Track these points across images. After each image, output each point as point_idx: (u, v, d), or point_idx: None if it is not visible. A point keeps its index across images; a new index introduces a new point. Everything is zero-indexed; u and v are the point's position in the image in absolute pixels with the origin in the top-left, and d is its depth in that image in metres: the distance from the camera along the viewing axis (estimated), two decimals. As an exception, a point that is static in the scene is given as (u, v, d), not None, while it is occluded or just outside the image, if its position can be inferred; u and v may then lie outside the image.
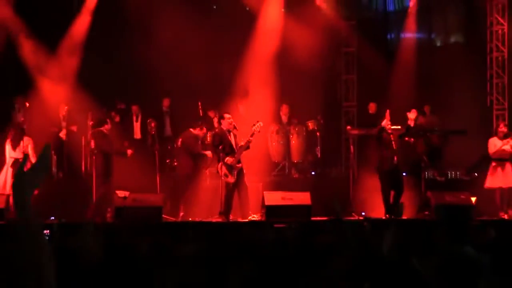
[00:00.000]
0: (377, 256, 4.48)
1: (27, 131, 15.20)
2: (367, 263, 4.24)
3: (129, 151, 15.04)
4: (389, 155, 14.94)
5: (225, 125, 14.73)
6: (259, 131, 14.92)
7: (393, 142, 14.94)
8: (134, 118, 17.90)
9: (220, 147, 14.50)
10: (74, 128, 16.58)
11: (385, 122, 14.98)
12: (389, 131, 14.97)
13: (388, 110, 15.22)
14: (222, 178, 14.44)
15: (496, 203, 15.40)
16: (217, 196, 14.62)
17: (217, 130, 15.21)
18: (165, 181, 15.91)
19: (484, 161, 16.17)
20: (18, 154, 14.52)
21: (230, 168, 14.42)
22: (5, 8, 16.95)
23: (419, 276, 3.17)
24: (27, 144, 14.64)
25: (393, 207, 14.57)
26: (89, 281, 3.67)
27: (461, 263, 3.97)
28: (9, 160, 14.64)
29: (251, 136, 14.61)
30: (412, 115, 15.60)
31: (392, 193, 14.82)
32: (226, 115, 14.93)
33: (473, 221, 13.40)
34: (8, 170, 14.61)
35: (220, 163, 14.49)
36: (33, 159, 14.08)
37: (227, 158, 14.42)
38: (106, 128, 14.99)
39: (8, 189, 14.17)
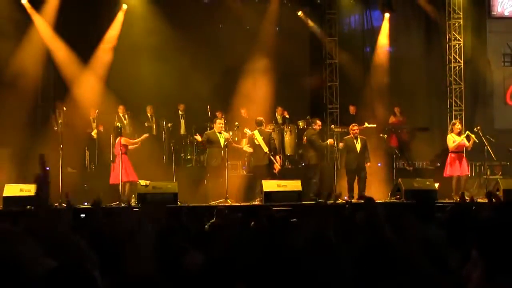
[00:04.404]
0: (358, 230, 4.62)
1: (64, 132, 15.23)
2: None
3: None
4: (353, 157, 15.19)
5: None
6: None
7: (356, 148, 15.21)
8: (149, 117, 17.85)
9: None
10: (101, 128, 16.65)
11: (351, 133, 15.33)
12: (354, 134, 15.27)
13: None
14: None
15: (452, 188, 15.47)
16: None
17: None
18: (180, 171, 16.00)
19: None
20: (117, 151, 14.57)
21: None
22: (46, 28, 17.00)
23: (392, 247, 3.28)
24: (119, 142, 14.56)
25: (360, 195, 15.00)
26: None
27: (425, 238, 4.09)
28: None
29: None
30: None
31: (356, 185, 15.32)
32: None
33: (436, 203, 13.51)
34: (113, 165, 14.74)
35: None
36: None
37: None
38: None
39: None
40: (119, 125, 15.30)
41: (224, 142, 14.72)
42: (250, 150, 15.20)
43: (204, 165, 15.55)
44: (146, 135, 15.26)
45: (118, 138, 14.64)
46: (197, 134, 15.57)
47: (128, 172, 14.50)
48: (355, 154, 15.33)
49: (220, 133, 14.88)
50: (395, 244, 2.88)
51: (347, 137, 15.68)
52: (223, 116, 16.56)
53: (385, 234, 3.52)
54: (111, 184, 14.67)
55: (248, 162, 16.17)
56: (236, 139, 16.36)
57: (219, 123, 14.98)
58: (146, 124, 17.44)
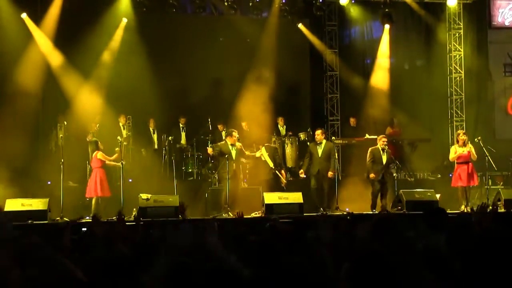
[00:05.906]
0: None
1: (65, 146, 15.21)
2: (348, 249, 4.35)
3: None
4: (380, 168, 15.20)
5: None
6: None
7: (382, 160, 15.25)
8: (151, 130, 17.91)
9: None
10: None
11: (379, 144, 15.34)
12: (382, 146, 15.26)
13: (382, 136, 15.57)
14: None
15: (459, 199, 15.43)
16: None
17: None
18: (181, 184, 15.96)
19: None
20: (94, 164, 14.71)
21: None
22: (46, 42, 17.04)
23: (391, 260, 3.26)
24: (96, 155, 14.70)
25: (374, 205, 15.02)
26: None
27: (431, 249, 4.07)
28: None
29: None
30: None
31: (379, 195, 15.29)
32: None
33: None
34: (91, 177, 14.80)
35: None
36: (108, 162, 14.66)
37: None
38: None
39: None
40: (97, 140, 15.25)
41: (237, 153, 14.80)
42: (260, 154, 15.48)
43: (208, 179, 15.67)
44: (117, 150, 15.18)
45: (95, 152, 14.71)
46: (208, 146, 15.75)
47: (103, 186, 14.53)
48: (381, 166, 15.29)
49: (233, 145, 14.93)
50: (389, 257, 2.86)
51: (373, 147, 15.56)
52: (224, 128, 16.59)
53: (375, 246, 3.50)
54: (86, 197, 14.78)
55: (249, 175, 16.25)
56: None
57: (234, 136, 15.03)
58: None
